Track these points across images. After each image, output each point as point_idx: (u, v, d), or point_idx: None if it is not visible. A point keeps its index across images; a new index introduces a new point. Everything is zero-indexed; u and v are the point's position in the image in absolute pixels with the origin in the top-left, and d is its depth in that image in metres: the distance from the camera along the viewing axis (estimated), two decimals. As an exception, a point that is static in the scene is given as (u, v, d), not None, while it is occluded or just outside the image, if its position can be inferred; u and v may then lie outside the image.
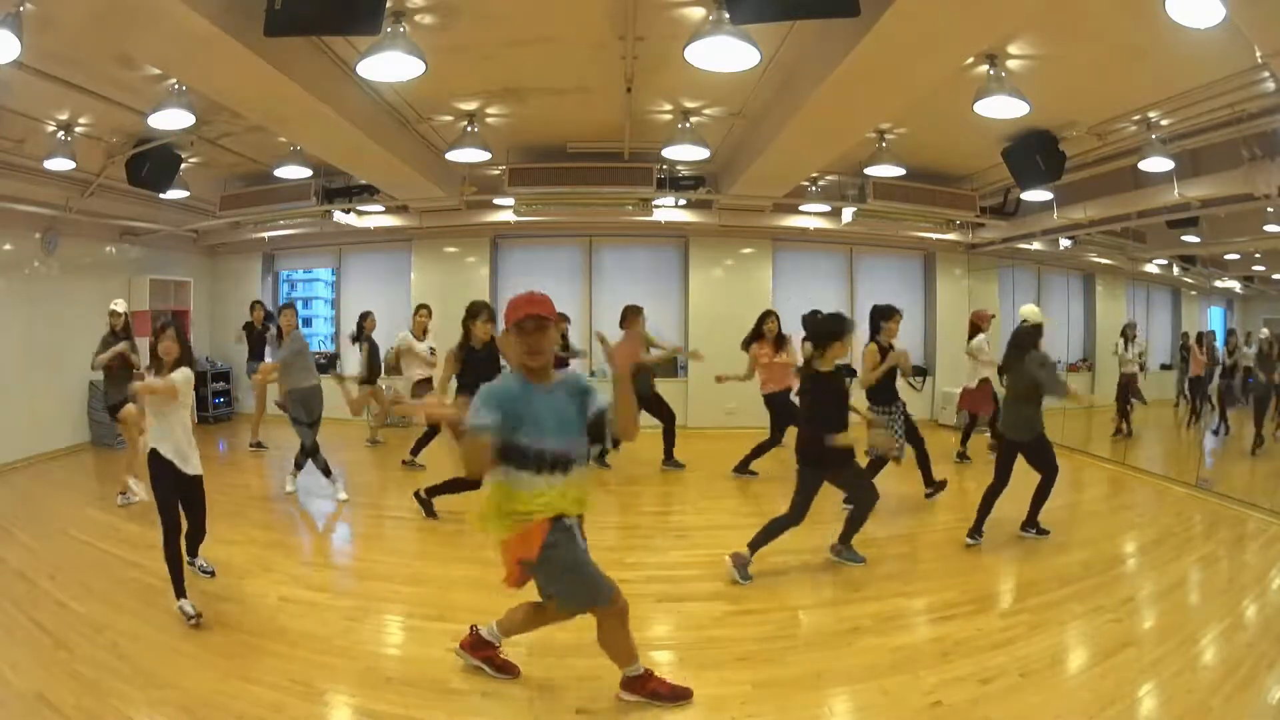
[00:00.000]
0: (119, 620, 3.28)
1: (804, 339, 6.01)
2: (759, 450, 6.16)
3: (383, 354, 7.48)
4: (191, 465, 3.51)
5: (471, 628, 2.94)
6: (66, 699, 2.60)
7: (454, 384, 5.00)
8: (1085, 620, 3.38)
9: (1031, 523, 4.60)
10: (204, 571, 3.83)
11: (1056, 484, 4.55)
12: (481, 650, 2.90)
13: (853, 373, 5.36)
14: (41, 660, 2.91)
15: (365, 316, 7.42)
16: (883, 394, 5.06)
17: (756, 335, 6.11)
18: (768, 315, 6.14)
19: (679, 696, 2.70)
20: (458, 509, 5.52)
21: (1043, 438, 4.49)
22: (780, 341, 6.07)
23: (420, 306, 7.10)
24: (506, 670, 2.88)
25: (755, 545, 3.90)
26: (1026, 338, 4.57)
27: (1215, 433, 7.68)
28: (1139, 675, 2.84)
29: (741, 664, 2.99)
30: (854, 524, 4.10)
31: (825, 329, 3.97)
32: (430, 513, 4.95)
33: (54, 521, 4.83)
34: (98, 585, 3.70)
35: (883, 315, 5.02)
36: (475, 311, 4.89)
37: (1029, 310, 4.76)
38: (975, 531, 4.48)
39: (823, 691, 2.80)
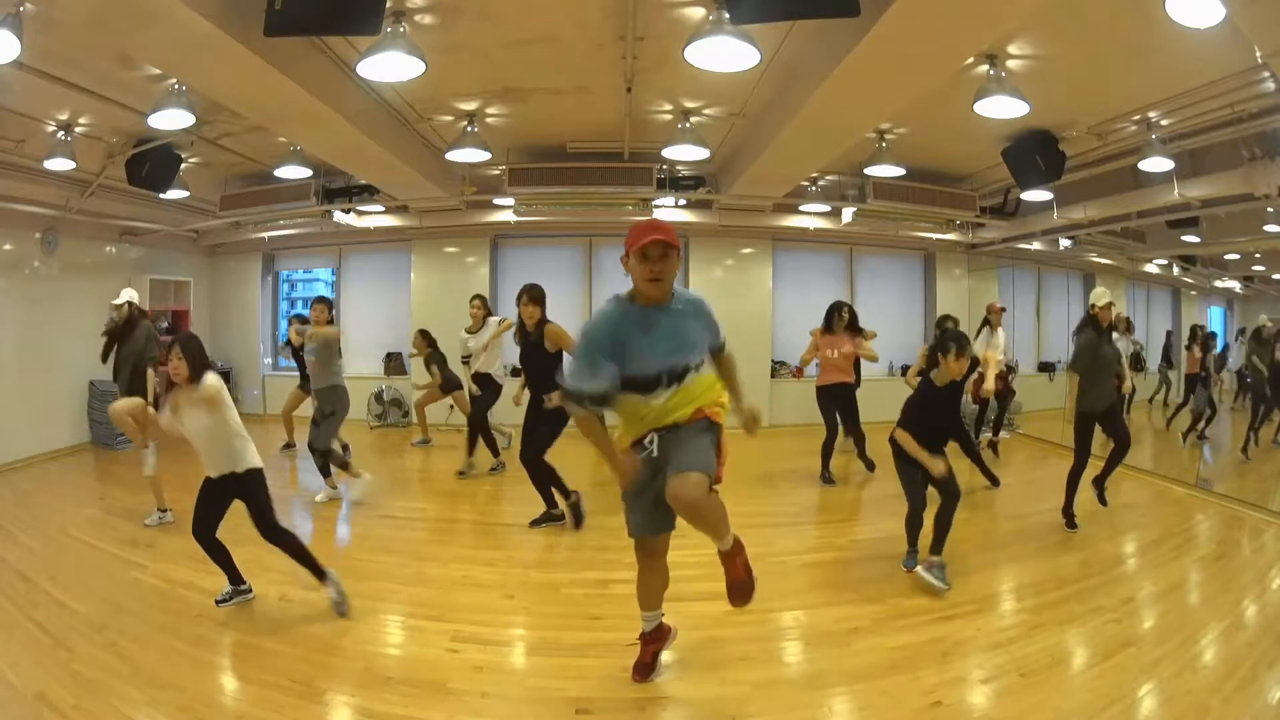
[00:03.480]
0: (119, 620, 3.28)
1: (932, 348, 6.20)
2: (825, 451, 6.08)
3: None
4: (245, 461, 3.38)
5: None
6: (66, 699, 2.60)
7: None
8: (1085, 620, 3.37)
9: (1100, 484, 4.87)
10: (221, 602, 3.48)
11: (1054, 485, 4.77)
12: (657, 641, 2.94)
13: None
14: (41, 660, 2.90)
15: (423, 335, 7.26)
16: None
17: (827, 328, 6.16)
18: (841, 307, 6.19)
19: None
20: (457, 512, 5.55)
21: (1115, 407, 4.71)
22: (855, 332, 6.18)
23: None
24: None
25: (936, 545, 3.74)
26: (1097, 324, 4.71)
27: (1201, 438, 7.60)
28: (1139, 675, 2.84)
29: (741, 664, 2.99)
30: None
31: (938, 343, 3.99)
32: (578, 517, 4.96)
33: (54, 521, 4.82)
34: (98, 585, 3.69)
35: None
36: (518, 295, 4.73)
37: (1101, 293, 4.77)
38: (1068, 510, 4.70)
39: (823, 691, 2.79)
